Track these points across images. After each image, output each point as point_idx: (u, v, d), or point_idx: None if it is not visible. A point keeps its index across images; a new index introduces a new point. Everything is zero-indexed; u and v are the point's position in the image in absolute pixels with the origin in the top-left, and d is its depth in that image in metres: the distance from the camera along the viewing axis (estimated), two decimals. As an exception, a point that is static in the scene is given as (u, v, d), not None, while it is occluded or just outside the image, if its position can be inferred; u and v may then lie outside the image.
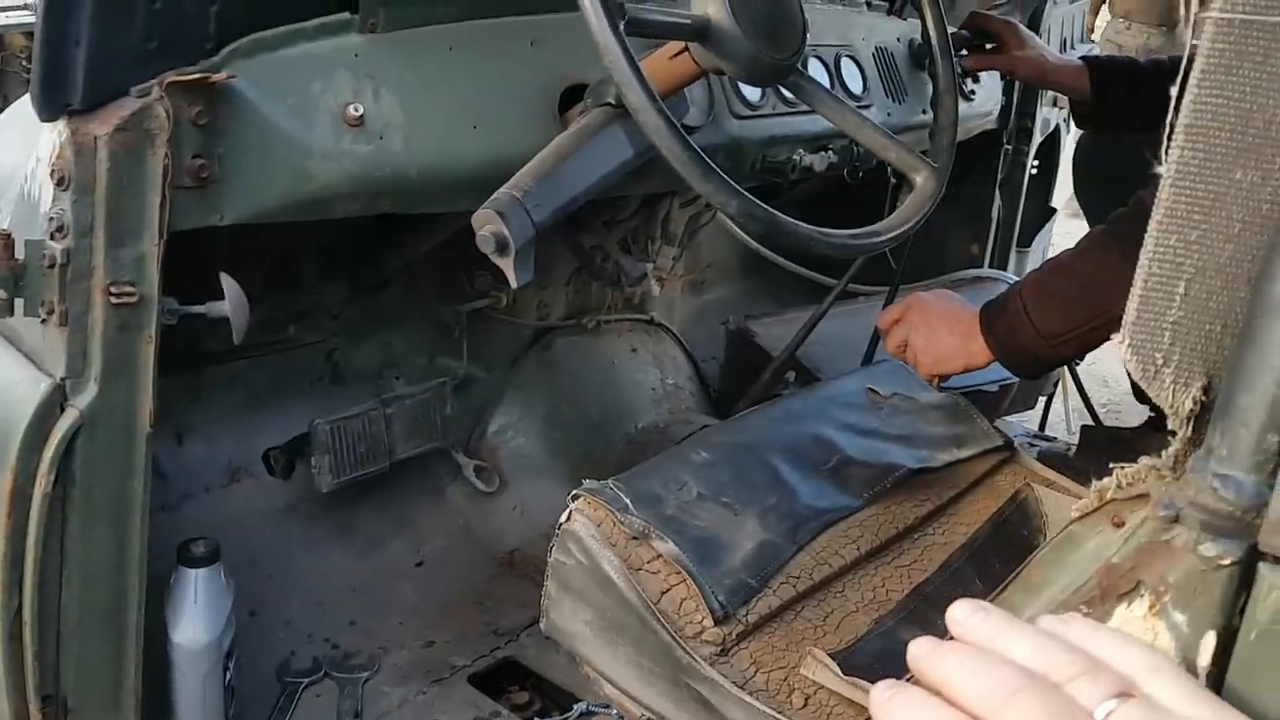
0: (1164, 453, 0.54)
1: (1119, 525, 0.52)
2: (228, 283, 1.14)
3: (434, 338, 1.86)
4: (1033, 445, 1.95)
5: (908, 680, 0.51)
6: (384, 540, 1.74)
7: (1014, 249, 2.80)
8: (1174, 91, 0.51)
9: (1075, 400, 2.46)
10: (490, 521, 1.84)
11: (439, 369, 1.85)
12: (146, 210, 1.05)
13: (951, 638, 0.51)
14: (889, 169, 2.10)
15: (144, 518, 1.14)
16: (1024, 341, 1.40)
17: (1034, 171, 2.79)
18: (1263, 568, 0.45)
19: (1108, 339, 1.65)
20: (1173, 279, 0.51)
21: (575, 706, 1.48)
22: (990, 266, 2.65)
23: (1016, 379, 2.16)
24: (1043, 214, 3.02)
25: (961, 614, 0.50)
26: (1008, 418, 2.37)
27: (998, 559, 1.15)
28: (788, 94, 1.66)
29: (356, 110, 1.15)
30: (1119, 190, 1.72)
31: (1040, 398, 2.51)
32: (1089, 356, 2.40)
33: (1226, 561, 0.45)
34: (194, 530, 1.35)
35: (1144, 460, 0.55)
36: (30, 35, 2.05)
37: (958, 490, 1.25)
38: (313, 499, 1.68)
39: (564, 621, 1.05)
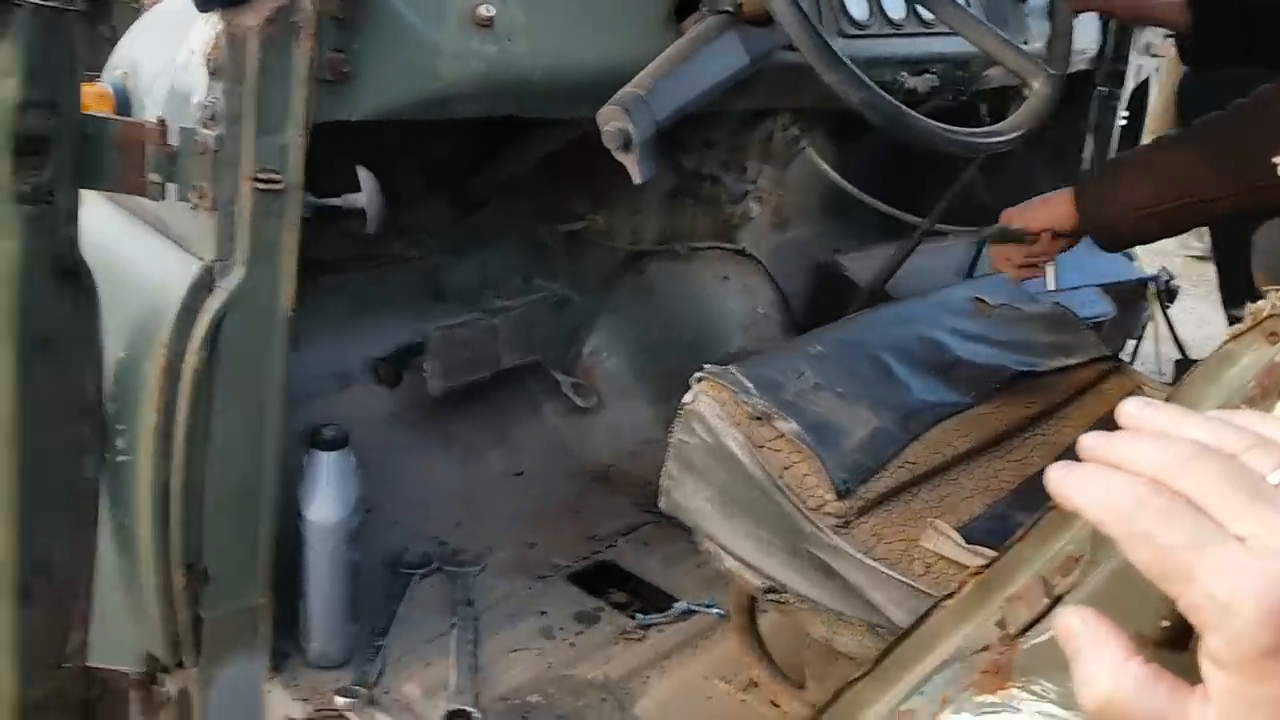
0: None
1: (1274, 340, 0.55)
2: (364, 176, 1.19)
3: (530, 258, 1.91)
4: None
5: None
6: (484, 450, 1.80)
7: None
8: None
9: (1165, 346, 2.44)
10: (585, 437, 1.90)
11: (535, 290, 1.89)
12: (292, 101, 1.10)
13: None
14: (982, 103, 2.11)
15: (282, 397, 1.20)
16: (1111, 211, 1.46)
17: (1124, 122, 2.75)
18: None
19: (1191, 226, 1.65)
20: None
21: (675, 605, 1.53)
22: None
23: (1110, 314, 2.17)
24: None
25: (1133, 407, 0.52)
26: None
27: (1106, 457, 1.17)
28: (893, 15, 1.67)
29: (488, 11, 1.19)
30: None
31: (1129, 340, 2.50)
32: (1183, 301, 2.39)
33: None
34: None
35: (1304, 282, 0.57)
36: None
37: (1066, 395, 1.27)
38: (418, 407, 1.74)
39: (685, 499, 1.09)
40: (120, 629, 1.27)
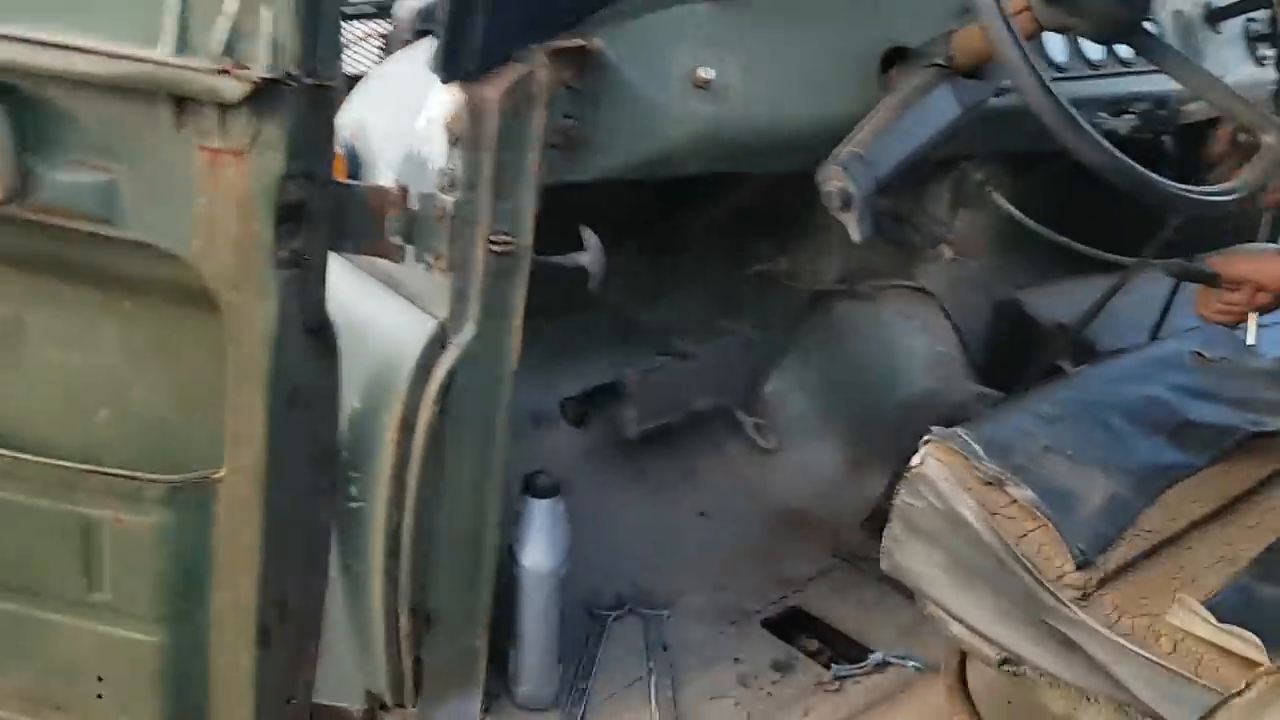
0: None
1: None
2: (589, 236, 1.22)
3: (717, 300, 1.93)
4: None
5: None
6: (672, 490, 1.83)
7: (1291, 223, 2.65)
8: None
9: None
10: (769, 478, 1.90)
11: (722, 330, 1.91)
12: (526, 167, 1.14)
13: None
14: (1172, 139, 2.04)
15: (506, 449, 1.24)
16: None
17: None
18: None
19: None
20: None
21: (871, 656, 1.52)
22: (1268, 240, 2.51)
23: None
24: (1319, 187, 2.85)
25: None
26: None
27: (1349, 525, 1.12)
28: (1092, 57, 1.64)
29: (707, 74, 1.22)
30: None
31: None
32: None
33: None
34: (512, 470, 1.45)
35: None
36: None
37: (1298, 456, 1.22)
38: (607, 446, 1.78)
39: (910, 562, 1.09)
40: (345, 667, 1.33)
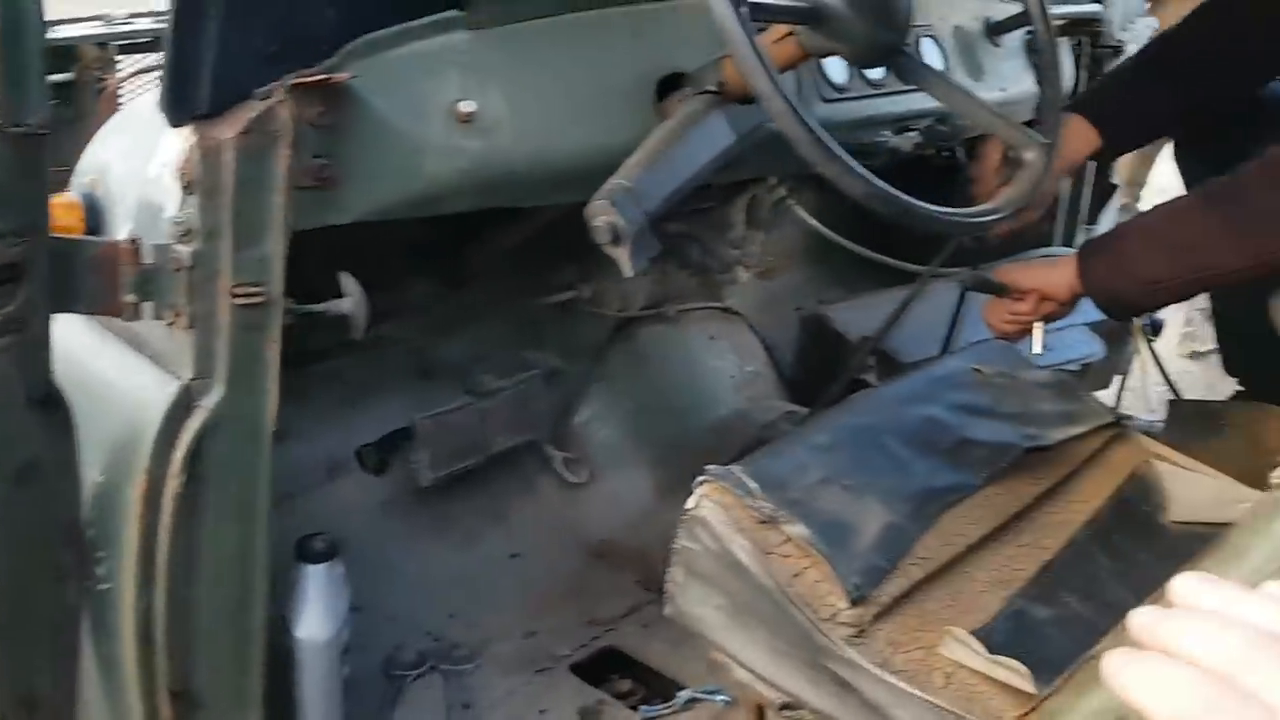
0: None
1: (1327, 489, 0.52)
2: (348, 282, 1.15)
3: (519, 331, 1.88)
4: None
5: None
6: (479, 533, 1.76)
7: (1081, 226, 2.77)
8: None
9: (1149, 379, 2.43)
10: (581, 512, 1.86)
11: (525, 362, 1.86)
12: (271, 212, 1.07)
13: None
14: (960, 150, 2.10)
15: (267, 515, 1.16)
16: (1119, 284, 1.42)
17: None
18: None
19: (1201, 293, 1.63)
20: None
21: (680, 694, 1.49)
22: (1060, 244, 2.62)
23: (1098, 356, 2.15)
24: (1105, 191, 3.00)
25: (1188, 587, 0.49)
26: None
27: (1121, 535, 1.14)
28: (872, 75, 1.65)
29: (468, 106, 1.16)
30: (1220, 150, 1.70)
31: (1116, 377, 2.48)
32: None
33: None
34: (298, 530, 1.37)
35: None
36: (102, 46, 2.07)
37: (1073, 468, 1.24)
38: (408, 494, 1.70)
39: (692, 607, 1.06)
40: (106, 759, 1.22)
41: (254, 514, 1.15)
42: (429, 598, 1.65)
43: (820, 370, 2.07)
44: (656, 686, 1.56)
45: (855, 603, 0.97)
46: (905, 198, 1.04)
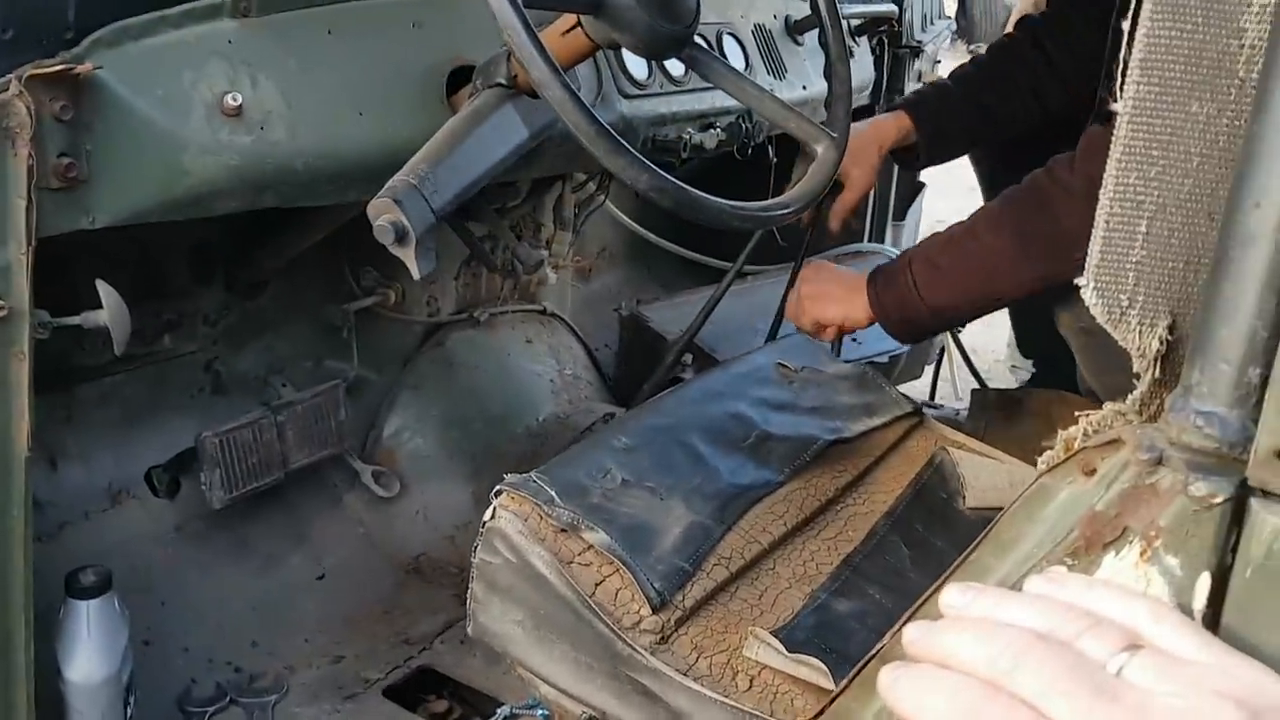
0: (1129, 396, 0.53)
1: (1090, 473, 0.51)
2: (105, 290, 1.06)
3: (320, 340, 1.79)
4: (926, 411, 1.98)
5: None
6: (282, 555, 1.67)
7: (890, 222, 2.85)
8: (1126, 25, 0.51)
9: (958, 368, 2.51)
10: (392, 527, 1.78)
11: (327, 372, 1.77)
12: (11, 215, 0.97)
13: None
14: (770, 146, 2.12)
15: (26, 550, 1.05)
16: (910, 312, 1.47)
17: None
18: (1254, 503, 0.44)
19: (992, 311, 1.71)
20: (1134, 217, 0.50)
21: (498, 711, 1.43)
22: (869, 240, 2.69)
23: (905, 349, 2.21)
24: (913, 188, 3.10)
25: (954, 598, 0.48)
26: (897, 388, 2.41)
27: (920, 523, 1.15)
28: (674, 70, 1.64)
29: (234, 100, 1.08)
30: (1013, 153, 1.77)
31: (927, 366, 2.56)
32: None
33: (1218, 500, 0.44)
34: (76, 560, 1.26)
35: (1109, 406, 0.54)
36: None
37: (874, 458, 1.25)
38: (202, 517, 1.59)
39: (493, 623, 1.01)
40: None
41: (9, 549, 1.04)
42: (228, 627, 1.54)
43: (642, 370, 2.06)
44: (474, 704, 1.50)
45: (657, 609, 0.94)
46: (693, 191, 1.02)
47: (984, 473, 1.23)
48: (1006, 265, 1.41)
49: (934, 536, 1.13)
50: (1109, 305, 0.51)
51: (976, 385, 2.39)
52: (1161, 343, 0.50)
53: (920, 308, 1.47)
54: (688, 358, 2.02)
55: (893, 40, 2.68)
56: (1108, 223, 0.51)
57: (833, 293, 1.54)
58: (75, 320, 1.07)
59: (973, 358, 2.48)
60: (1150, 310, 0.50)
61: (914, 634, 0.47)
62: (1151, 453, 0.47)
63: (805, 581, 1.04)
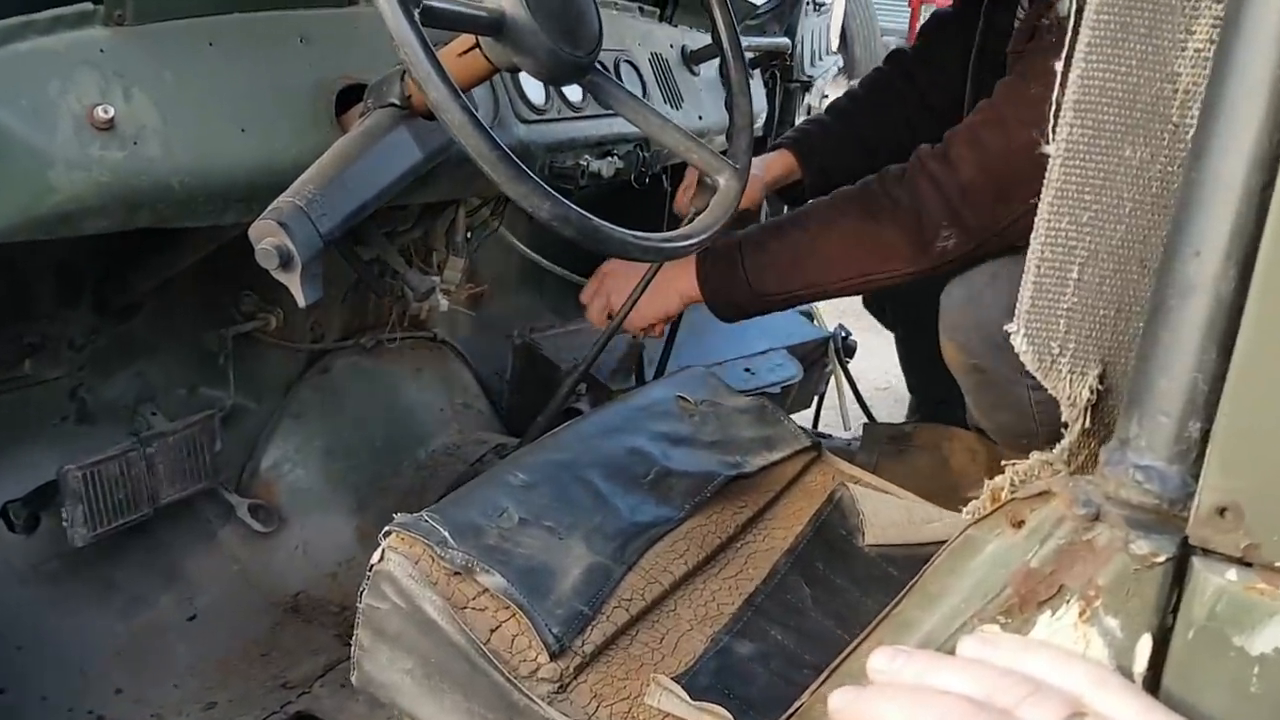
0: (1057, 446, 0.52)
1: (1018, 525, 0.49)
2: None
3: (195, 367, 1.69)
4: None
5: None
6: (150, 595, 1.57)
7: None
8: (1059, 66, 0.49)
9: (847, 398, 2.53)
10: (270, 564, 1.69)
11: (203, 401, 1.68)
12: None
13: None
14: (665, 176, 2.11)
15: None
16: (736, 295, 1.58)
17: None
18: (1195, 562, 0.43)
19: (815, 301, 1.83)
20: (1065, 263, 0.49)
21: (381, 758, 1.37)
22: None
23: (797, 378, 2.22)
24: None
25: (883, 662, 0.45)
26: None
27: (821, 561, 1.14)
28: (572, 97, 1.62)
29: (106, 112, 1.02)
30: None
31: (814, 396, 2.58)
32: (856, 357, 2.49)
33: (1160, 559, 0.43)
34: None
35: (1035, 455, 0.52)
36: None
37: (773, 494, 1.23)
38: (63, 555, 1.49)
39: (380, 673, 0.95)
40: None
41: None
42: (90, 673, 1.44)
43: (535, 400, 2.01)
44: (355, 750, 1.43)
45: (555, 655, 0.90)
46: (595, 220, 0.99)
47: (883, 508, 1.22)
48: (832, 261, 1.51)
49: (835, 574, 1.11)
50: (1039, 352, 0.49)
51: (865, 418, 2.41)
52: (1092, 392, 0.49)
53: (746, 290, 1.56)
54: (582, 387, 1.99)
55: (784, 74, 2.71)
56: (1038, 268, 0.49)
57: (657, 291, 1.61)
58: (-80, 345, 0.98)
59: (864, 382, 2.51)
60: (1081, 358, 0.49)
61: (840, 701, 0.44)
62: (1088, 508, 0.45)
63: (707, 623, 1.01)
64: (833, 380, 2.57)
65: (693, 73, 2.04)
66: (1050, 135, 0.49)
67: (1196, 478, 0.43)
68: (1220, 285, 0.43)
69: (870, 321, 2.59)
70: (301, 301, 1.03)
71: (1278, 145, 0.41)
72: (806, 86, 2.99)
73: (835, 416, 2.75)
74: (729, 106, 1.31)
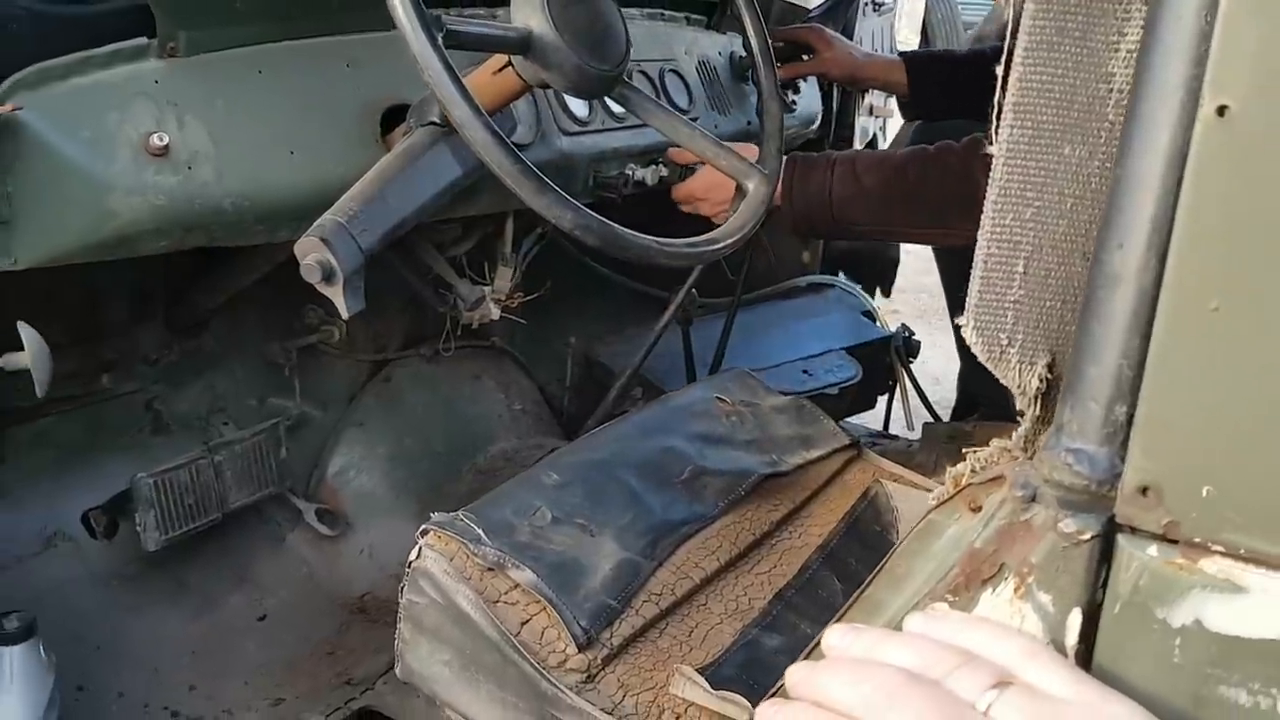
0: (1014, 434, 0.54)
1: (976, 510, 0.52)
2: (26, 332, 1.05)
3: (263, 378, 1.77)
4: (876, 444, 1.99)
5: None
6: (222, 597, 1.64)
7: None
8: (1000, 70, 0.51)
9: (913, 399, 2.53)
10: (336, 567, 1.76)
11: (271, 411, 1.76)
12: (-80, 255, 0.96)
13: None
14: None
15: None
16: (815, 213, 1.58)
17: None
18: (1121, 539, 0.44)
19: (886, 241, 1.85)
20: (1011, 258, 0.51)
21: (439, 752, 1.42)
22: (827, 264, 2.70)
23: (856, 378, 2.22)
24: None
25: (835, 638, 0.48)
26: (850, 419, 2.42)
27: (853, 557, 1.16)
28: (615, 108, 1.65)
29: (160, 140, 1.08)
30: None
31: (879, 398, 2.57)
32: (922, 355, 2.48)
33: (1086, 536, 0.45)
34: (7, 605, 1.24)
35: (995, 443, 0.54)
36: None
37: (809, 492, 1.25)
38: (140, 560, 1.57)
39: (420, 664, 1.00)
40: None
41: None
42: (165, 671, 1.52)
43: (593, 405, 2.05)
44: (415, 746, 1.48)
45: (583, 647, 0.93)
46: (618, 228, 1.02)
47: (920, 506, 1.23)
48: (919, 210, 1.52)
49: (866, 570, 1.13)
50: (989, 344, 0.51)
51: (930, 418, 2.40)
52: (1041, 381, 0.51)
53: (826, 212, 1.57)
54: (638, 391, 2.02)
55: (841, 77, 2.71)
56: (985, 262, 0.51)
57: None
58: (-4, 363, 1.06)
59: (937, 388, 2.50)
60: (1029, 349, 0.51)
61: (796, 676, 0.47)
62: (1026, 490, 0.47)
63: (736, 617, 1.04)
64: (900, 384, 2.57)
65: (743, 79, 2.07)
66: (993, 136, 0.51)
67: (1124, 459, 0.45)
68: (1142, 276, 0.45)
69: (933, 321, 2.58)
70: (344, 313, 1.08)
71: (1188, 144, 0.43)
72: (863, 90, 2.99)
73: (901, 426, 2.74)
74: (759, 112, 1.33)
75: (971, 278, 0.52)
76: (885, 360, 2.45)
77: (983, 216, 0.52)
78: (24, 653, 1.13)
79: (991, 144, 0.51)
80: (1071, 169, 0.50)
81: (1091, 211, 0.50)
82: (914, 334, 2.47)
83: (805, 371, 2.24)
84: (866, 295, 2.54)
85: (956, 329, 2.04)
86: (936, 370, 3.60)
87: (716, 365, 1.96)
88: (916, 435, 2.32)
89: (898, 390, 2.64)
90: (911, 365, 2.45)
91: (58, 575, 1.51)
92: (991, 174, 0.51)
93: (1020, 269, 0.51)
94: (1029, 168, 0.50)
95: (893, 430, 2.61)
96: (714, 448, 1.23)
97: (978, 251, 0.52)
